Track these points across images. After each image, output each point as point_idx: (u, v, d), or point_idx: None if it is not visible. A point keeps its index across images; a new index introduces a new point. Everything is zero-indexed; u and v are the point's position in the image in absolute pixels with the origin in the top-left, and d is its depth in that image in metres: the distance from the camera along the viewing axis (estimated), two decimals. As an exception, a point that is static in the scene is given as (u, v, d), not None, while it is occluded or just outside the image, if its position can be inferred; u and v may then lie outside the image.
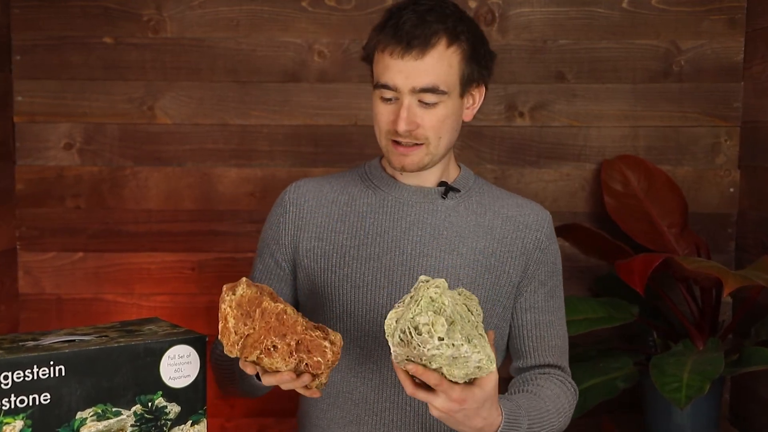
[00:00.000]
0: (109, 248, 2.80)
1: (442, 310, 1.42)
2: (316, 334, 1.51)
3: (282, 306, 1.51)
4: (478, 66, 1.78)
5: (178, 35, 2.73)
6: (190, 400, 1.58)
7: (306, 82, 2.75)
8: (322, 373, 1.54)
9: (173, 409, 1.56)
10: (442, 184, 1.88)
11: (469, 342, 1.42)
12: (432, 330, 1.40)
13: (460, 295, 1.51)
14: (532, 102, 2.75)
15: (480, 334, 1.47)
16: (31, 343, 1.51)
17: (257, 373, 1.59)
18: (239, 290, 1.51)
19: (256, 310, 1.50)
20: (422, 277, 1.49)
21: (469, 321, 1.47)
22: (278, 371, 1.54)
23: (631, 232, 2.66)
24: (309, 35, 2.74)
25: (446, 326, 1.40)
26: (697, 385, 2.21)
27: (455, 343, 1.41)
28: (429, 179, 1.87)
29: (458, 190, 1.88)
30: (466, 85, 1.78)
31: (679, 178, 2.76)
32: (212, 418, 2.74)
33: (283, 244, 1.90)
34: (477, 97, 1.84)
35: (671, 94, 2.75)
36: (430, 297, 1.42)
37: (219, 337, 1.52)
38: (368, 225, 1.85)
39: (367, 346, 1.82)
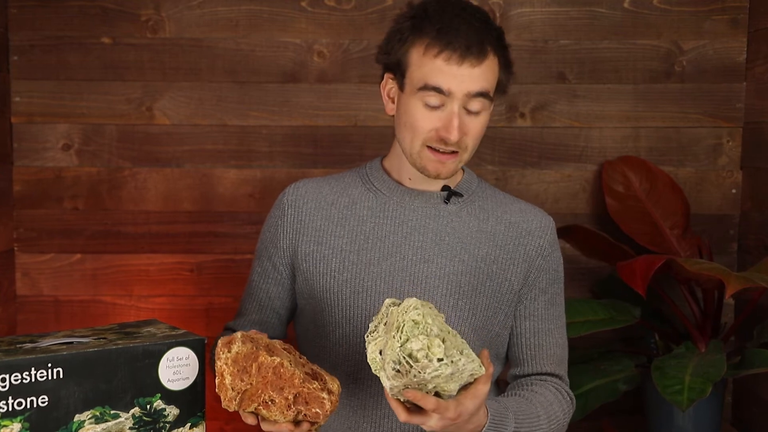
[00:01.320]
0: (107, 250, 2.79)
1: (430, 331, 1.40)
2: (314, 386, 1.51)
3: (279, 359, 1.50)
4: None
5: (176, 35, 2.72)
6: (189, 402, 1.57)
7: (305, 83, 2.73)
8: (320, 421, 1.54)
9: (172, 411, 1.55)
10: (445, 188, 1.86)
11: (462, 353, 1.41)
12: (429, 353, 1.38)
13: (430, 309, 1.48)
14: (533, 102, 2.74)
15: (463, 341, 1.45)
16: (28, 345, 1.50)
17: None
18: (234, 347, 1.51)
19: (252, 365, 1.50)
20: (388, 301, 1.48)
21: (451, 333, 1.44)
22: (276, 422, 1.54)
23: (633, 233, 2.65)
24: (308, 35, 2.73)
25: (442, 346, 1.39)
26: (698, 387, 2.20)
27: (453, 359, 1.39)
28: (432, 183, 1.85)
29: (461, 195, 1.87)
30: (498, 93, 1.77)
31: (681, 179, 2.75)
32: (211, 421, 2.73)
33: (281, 247, 1.89)
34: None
35: (673, 94, 2.74)
36: (413, 320, 1.40)
37: (216, 390, 1.52)
38: (368, 229, 1.84)
39: (365, 352, 1.78)
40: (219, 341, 1.52)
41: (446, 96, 1.68)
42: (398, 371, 1.40)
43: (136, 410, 1.51)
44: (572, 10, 2.72)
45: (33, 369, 1.42)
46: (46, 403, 1.44)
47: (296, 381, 1.49)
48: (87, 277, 2.79)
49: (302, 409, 1.50)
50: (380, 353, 1.43)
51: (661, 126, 2.75)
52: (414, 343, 1.38)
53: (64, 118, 2.74)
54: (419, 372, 1.38)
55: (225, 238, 2.79)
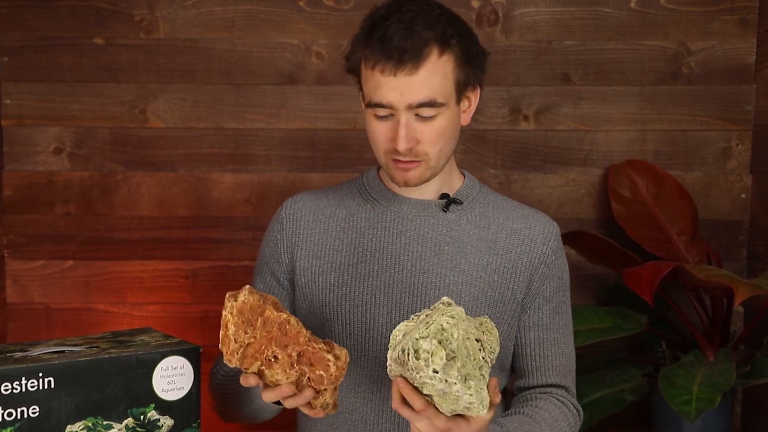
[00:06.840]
0: (99, 256, 2.76)
1: (447, 342, 1.40)
2: (320, 346, 1.49)
3: (285, 316, 1.48)
4: (472, 68, 1.72)
5: (171, 36, 2.69)
6: (184, 412, 1.57)
7: (303, 85, 2.71)
8: (325, 389, 1.51)
9: (166, 422, 1.55)
10: (444, 196, 1.84)
11: (464, 382, 1.40)
12: (430, 359, 1.38)
13: (480, 326, 1.48)
14: (537, 105, 2.71)
15: (482, 375, 1.43)
16: (19, 354, 1.50)
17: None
18: (241, 297, 1.49)
19: (258, 319, 1.48)
20: (445, 299, 1.48)
21: (474, 359, 1.43)
22: (278, 384, 1.51)
23: (640, 239, 2.63)
24: (307, 36, 2.70)
25: (444, 360, 1.39)
26: (707, 397, 2.18)
27: (448, 379, 1.39)
28: (430, 191, 1.83)
29: (461, 202, 1.84)
30: (462, 90, 1.72)
31: (688, 184, 2.73)
32: (206, 432, 2.70)
33: (282, 261, 1.87)
34: (473, 99, 1.78)
35: (681, 96, 2.72)
36: (441, 325, 1.40)
37: (219, 345, 1.50)
38: (367, 241, 1.81)
39: (367, 365, 1.78)
40: (227, 294, 1.50)
41: (390, 108, 1.66)
42: (399, 357, 1.41)
43: (129, 421, 1.51)
44: (577, 10, 2.70)
45: (24, 378, 1.42)
46: (37, 413, 1.43)
47: (301, 339, 1.48)
48: (79, 284, 2.76)
49: (306, 370, 1.49)
50: (403, 335, 1.44)
51: (668, 129, 2.73)
52: (425, 343, 1.38)
53: (55, 120, 2.71)
54: (413, 369, 1.39)
55: (221, 244, 2.76)
